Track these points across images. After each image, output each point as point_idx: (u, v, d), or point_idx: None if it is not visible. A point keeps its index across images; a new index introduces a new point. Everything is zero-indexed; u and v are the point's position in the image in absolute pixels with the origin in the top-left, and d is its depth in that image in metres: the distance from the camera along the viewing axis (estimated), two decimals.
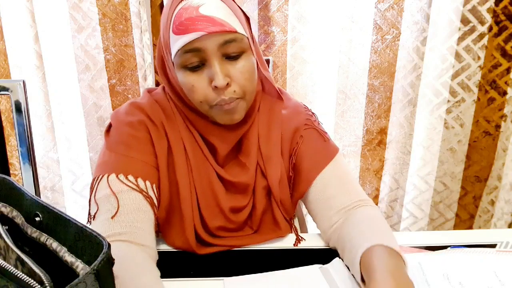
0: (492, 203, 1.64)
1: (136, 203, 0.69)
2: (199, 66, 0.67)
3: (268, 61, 1.32)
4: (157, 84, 1.54)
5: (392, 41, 1.49)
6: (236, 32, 0.66)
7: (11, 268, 0.38)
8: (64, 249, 0.44)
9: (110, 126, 0.76)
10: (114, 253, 0.43)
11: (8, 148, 1.57)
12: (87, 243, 0.43)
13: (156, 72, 1.52)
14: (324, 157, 0.78)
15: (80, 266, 0.42)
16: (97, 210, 0.69)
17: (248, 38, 0.69)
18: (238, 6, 0.71)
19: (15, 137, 1.07)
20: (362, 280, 0.61)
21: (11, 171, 1.60)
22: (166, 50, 0.70)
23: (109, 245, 0.41)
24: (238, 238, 0.80)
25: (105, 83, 1.54)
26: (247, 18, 0.72)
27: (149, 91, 0.81)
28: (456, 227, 1.72)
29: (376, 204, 1.45)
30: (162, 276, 0.64)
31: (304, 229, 1.10)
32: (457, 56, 1.48)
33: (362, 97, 1.56)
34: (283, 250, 0.78)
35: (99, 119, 1.58)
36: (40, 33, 1.48)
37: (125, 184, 0.69)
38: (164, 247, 0.79)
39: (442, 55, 1.49)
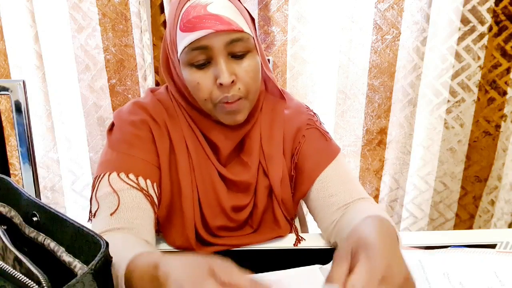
0: (492, 203, 1.63)
1: (136, 201, 0.69)
2: (205, 64, 0.67)
3: (268, 61, 1.32)
4: (157, 84, 1.54)
5: (392, 41, 1.49)
6: (242, 31, 0.66)
7: (9, 269, 0.38)
8: (62, 249, 0.44)
9: (112, 125, 0.77)
10: (110, 240, 0.43)
11: (8, 148, 1.57)
12: (84, 243, 0.42)
13: (156, 72, 1.52)
14: (326, 156, 0.79)
15: (78, 265, 0.42)
16: (98, 208, 0.69)
17: (253, 38, 0.70)
18: (244, 7, 0.71)
19: (15, 137, 1.07)
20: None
21: (11, 171, 1.60)
22: (172, 47, 0.70)
23: (107, 244, 0.41)
24: (238, 238, 0.80)
25: (105, 83, 1.54)
26: (252, 19, 0.73)
27: (152, 90, 0.82)
28: (456, 227, 1.72)
29: None
30: None
31: (304, 229, 1.10)
32: (457, 56, 1.48)
33: (362, 97, 1.56)
34: (283, 250, 0.78)
35: (99, 119, 1.58)
36: (40, 33, 1.48)
37: (126, 182, 0.69)
38: (164, 247, 0.79)
39: (442, 55, 1.49)
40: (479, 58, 1.48)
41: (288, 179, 0.80)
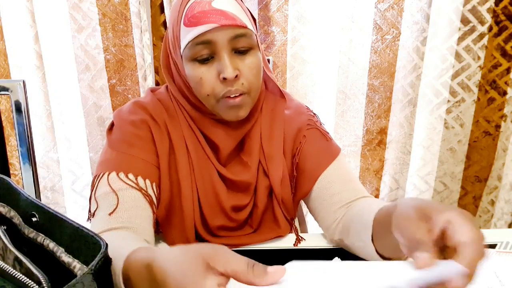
0: (492, 203, 1.63)
1: (135, 200, 0.69)
2: (208, 59, 0.67)
3: (268, 61, 1.32)
4: (157, 84, 1.54)
5: (392, 41, 1.49)
6: (246, 27, 0.67)
7: (9, 269, 0.38)
8: (61, 249, 0.44)
9: (112, 124, 0.77)
10: (108, 239, 0.43)
11: (8, 148, 1.57)
12: (83, 243, 0.42)
13: (156, 72, 1.52)
14: (327, 156, 0.79)
15: (77, 266, 0.42)
16: (97, 208, 0.69)
17: (256, 36, 0.70)
18: (246, 7, 0.72)
19: (15, 137, 1.07)
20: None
21: (11, 171, 1.60)
22: (175, 44, 0.70)
23: (106, 245, 0.41)
24: (238, 238, 0.80)
25: (105, 83, 1.54)
26: (254, 19, 0.73)
27: (152, 90, 0.82)
28: None
29: None
30: None
31: (304, 228, 1.10)
32: (457, 56, 1.48)
33: (362, 97, 1.56)
34: (283, 250, 0.78)
35: (99, 119, 1.58)
36: (40, 33, 1.48)
37: (125, 182, 0.70)
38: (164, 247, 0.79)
39: (442, 55, 1.49)
40: (479, 58, 1.48)
41: (288, 179, 0.80)
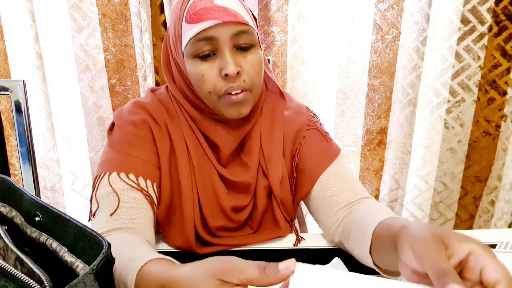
0: (492, 203, 1.64)
1: (135, 201, 0.69)
2: (210, 55, 0.67)
3: (268, 61, 1.32)
4: (157, 84, 1.54)
5: (392, 41, 1.49)
6: (248, 24, 0.67)
7: (10, 268, 0.38)
8: (64, 249, 0.44)
9: (113, 124, 0.77)
10: (111, 240, 0.43)
11: (8, 148, 1.57)
12: (87, 243, 0.42)
13: (156, 72, 1.52)
14: (327, 157, 0.79)
15: (80, 266, 0.42)
16: (98, 208, 0.69)
17: (257, 34, 0.70)
18: (247, 6, 0.72)
19: (15, 137, 1.07)
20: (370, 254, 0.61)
21: (11, 171, 1.60)
22: (176, 41, 0.70)
23: (109, 244, 0.41)
24: (238, 238, 0.80)
25: (105, 83, 1.54)
26: (255, 19, 0.73)
27: (153, 90, 0.82)
28: (456, 227, 1.72)
29: None
30: None
31: (304, 229, 1.10)
32: (457, 56, 1.48)
33: (362, 97, 1.56)
34: (283, 250, 0.78)
35: (99, 119, 1.58)
36: (40, 33, 1.48)
37: (126, 182, 0.70)
38: (164, 247, 0.79)
39: (442, 55, 1.49)
40: (479, 58, 1.48)
41: (287, 180, 0.80)
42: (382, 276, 0.59)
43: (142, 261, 0.52)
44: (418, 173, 1.65)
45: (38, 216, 0.49)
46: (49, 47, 1.50)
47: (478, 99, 1.54)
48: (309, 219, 1.03)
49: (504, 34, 1.46)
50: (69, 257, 0.43)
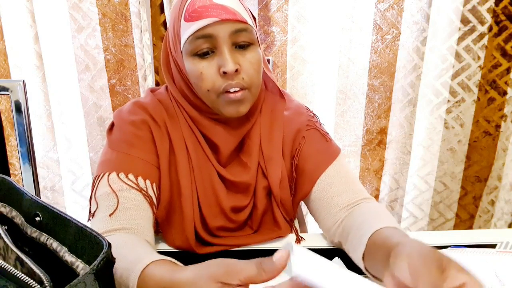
0: (492, 203, 1.64)
1: (135, 201, 0.69)
2: (209, 53, 0.68)
3: (268, 61, 1.32)
4: (157, 84, 1.54)
5: (392, 41, 1.49)
6: (246, 22, 0.67)
7: (11, 268, 0.38)
8: (65, 249, 0.44)
9: (112, 124, 0.77)
10: (111, 240, 0.43)
11: (8, 148, 1.57)
12: (87, 243, 0.42)
13: (156, 72, 1.52)
14: (326, 157, 0.78)
15: (80, 266, 0.42)
16: (97, 208, 0.69)
17: (256, 32, 0.71)
18: (246, 5, 0.72)
19: (15, 137, 1.07)
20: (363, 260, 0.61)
21: (11, 171, 1.60)
22: (175, 40, 0.70)
23: (109, 244, 0.41)
24: (238, 238, 0.80)
25: (105, 83, 1.54)
26: (254, 18, 0.73)
27: (152, 90, 0.82)
28: (456, 227, 1.72)
29: None
30: None
31: (304, 229, 1.10)
32: (457, 56, 1.48)
33: (362, 97, 1.56)
34: None
35: (99, 119, 1.58)
36: (40, 33, 1.48)
37: (125, 182, 0.70)
38: (164, 247, 0.79)
39: (442, 55, 1.49)
40: (479, 58, 1.48)
41: (287, 180, 0.80)
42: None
43: (144, 263, 0.52)
44: (418, 173, 1.65)
45: (39, 216, 0.49)
46: (49, 47, 1.50)
47: (478, 99, 1.54)
48: (309, 219, 1.03)
49: (504, 34, 1.46)
50: (69, 257, 0.43)
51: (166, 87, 0.80)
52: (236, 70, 0.67)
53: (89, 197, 0.72)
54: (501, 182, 1.59)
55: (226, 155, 0.76)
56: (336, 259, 0.71)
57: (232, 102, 0.69)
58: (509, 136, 1.54)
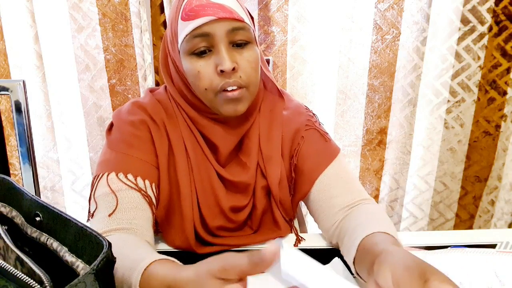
0: (492, 203, 1.64)
1: (134, 201, 0.69)
2: (206, 52, 0.68)
3: (268, 61, 1.32)
4: (157, 84, 1.54)
5: (392, 41, 1.49)
6: (243, 21, 0.67)
7: (11, 268, 0.38)
8: (65, 249, 0.44)
9: (111, 125, 0.77)
10: (111, 240, 0.43)
11: (8, 148, 1.57)
12: (87, 243, 0.43)
13: (156, 72, 1.52)
14: (326, 157, 0.78)
15: (80, 266, 0.42)
16: (96, 208, 0.69)
17: (253, 31, 0.70)
18: (243, 4, 0.72)
19: (15, 137, 1.07)
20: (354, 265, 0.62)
21: (11, 171, 1.60)
22: (173, 39, 0.70)
23: (109, 244, 0.41)
24: (238, 238, 0.80)
25: (105, 83, 1.54)
26: (252, 17, 0.73)
27: (151, 90, 0.82)
28: (456, 227, 1.72)
29: None
30: None
31: (303, 229, 1.10)
32: (457, 56, 1.48)
33: (362, 97, 1.56)
34: None
35: (99, 119, 1.58)
36: (40, 33, 1.48)
37: (124, 183, 0.70)
38: (164, 247, 0.79)
39: (442, 55, 1.49)
40: (479, 58, 1.48)
41: (286, 180, 0.80)
42: None
43: (147, 261, 0.52)
44: (418, 173, 1.65)
45: (39, 216, 0.49)
46: (49, 47, 1.50)
47: (478, 99, 1.54)
48: (309, 219, 1.03)
49: (504, 34, 1.46)
50: (69, 257, 0.43)
51: (165, 87, 0.80)
52: (234, 69, 0.67)
53: (88, 197, 0.72)
54: (501, 182, 1.59)
55: (225, 154, 0.76)
56: (336, 259, 0.71)
57: (230, 100, 0.69)
58: (509, 136, 1.54)
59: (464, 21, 1.44)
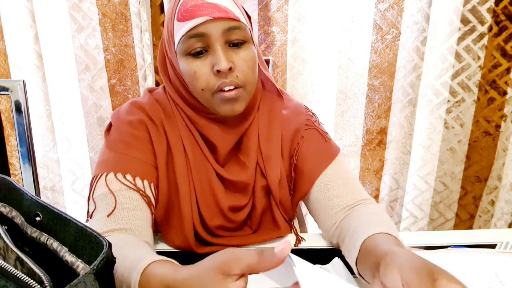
0: (492, 203, 1.64)
1: (133, 201, 0.69)
2: (202, 52, 0.68)
3: (268, 61, 1.32)
4: (157, 84, 1.54)
5: (392, 41, 1.49)
6: (239, 20, 0.67)
7: (11, 268, 0.38)
8: (65, 249, 0.44)
9: (110, 125, 0.77)
10: (111, 241, 0.43)
11: (8, 148, 1.57)
12: (88, 243, 0.43)
13: (156, 72, 1.52)
14: (325, 157, 0.78)
15: (80, 266, 0.42)
16: (95, 208, 0.69)
17: (250, 30, 0.70)
18: (240, 4, 0.72)
19: (15, 137, 1.07)
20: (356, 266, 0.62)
21: (11, 171, 1.60)
22: (169, 40, 0.70)
23: (109, 244, 0.41)
24: (238, 238, 0.80)
25: (105, 83, 1.54)
26: (249, 17, 0.73)
27: (150, 90, 0.82)
28: (456, 227, 1.72)
29: None
30: None
31: (303, 229, 1.10)
32: (457, 56, 1.48)
33: (362, 97, 1.56)
34: None
35: (99, 119, 1.58)
36: (40, 33, 1.48)
37: (123, 183, 0.70)
38: (164, 247, 0.79)
39: (442, 55, 1.49)
40: (479, 58, 1.48)
41: (286, 180, 0.79)
42: None
43: (146, 261, 0.52)
44: (418, 173, 1.65)
45: (39, 216, 0.49)
46: (49, 47, 1.50)
47: (478, 99, 1.54)
48: (309, 219, 1.03)
49: (504, 34, 1.46)
50: (69, 257, 0.43)
51: (164, 87, 0.80)
52: (230, 69, 0.67)
53: (87, 198, 0.72)
54: (501, 182, 1.59)
55: (224, 154, 0.76)
56: (336, 259, 0.71)
57: (227, 100, 0.69)
58: (509, 136, 1.54)
59: (464, 21, 1.44)
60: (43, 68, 1.51)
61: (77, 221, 0.44)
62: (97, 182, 0.71)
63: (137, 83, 1.53)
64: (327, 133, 0.82)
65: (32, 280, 0.38)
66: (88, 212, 0.71)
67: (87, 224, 0.70)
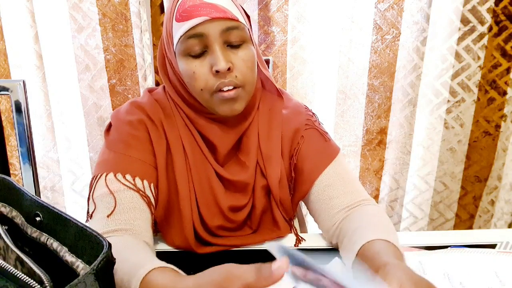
0: (492, 203, 1.64)
1: (133, 202, 0.69)
2: (201, 53, 0.68)
3: (268, 61, 1.32)
4: (157, 84, 1.54)
5: (392, 41, 1.49)
6: (238, 20, 0.67)
7: (11, 268, 0.38)
8: (65, 249, 0.44)
9: (110, 125, 0.77)
10: (110, 241, 0.43)
11: (8, 148, 1.57)
12: (88, 243, 0.43)
13: (156, 72, 1.52)
14: (325, 157, 0.78)
15: (80, 266, 0.42)
16: (95, 209, 0.69)
17: (249, 30, 0.70)
18: (240, 5, 0.72)
19: (15, 137, 1.07)
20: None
21: (11, 171, 1.60)
22: (168, 40, 0.70)
23: (109, 244, 0.41)
24: (238, 238, 0.80)
25: (105, 83, 1.54)
26: (248, 16, 0.73)
27: (150, 90, 0.82)
28: (456, 227, 1.72)
29: None
30: None
31: (304, 229, 1.10)
32: (457, 56, 1.48)
33: (362, 97, 1.56)
34: None
35: (99, 119, 1.58)
36: (40, 33, 1.48)
37: (123, 183, 0.69)
38: (164, 247, 0.79)
39: (442, 55, 1.49)
40: (479, 58, 1.48)
41: (286, 180, 0.79)
42: None
43: (147, 268, 0.52)
44: (418, 173, 1.65)
45: (39, 216, 0.49)
46: (49, 47, 1.50)
47: (478, 99, 1.54)
48: (309, 219, 1.03)
49: (504, 34, 1.46)
50: (69, 257, 0.43)
51: (164, 87, 0.80)
52: (229, 69, 0.67)
53: (87, 198, 0.72)
54: (501, 182, 1.59)
55: (223, 154, 0.76)
56: (336, 259, 0.71)
57: (226, 100, 0.69)
58: (509, 136, 1.54)
59: (464, 21, 1.44)
60: (43, 68, 1.51)
61: (77, 221, 0.44)
62: (97, 182, 0.71)
63: (137, 83, 1.53)
64: (327, 133, 0.82)
65: (32, 280, 0.38)
66: (88, 212, 0.71)
67: (87, 224, 0.70)
